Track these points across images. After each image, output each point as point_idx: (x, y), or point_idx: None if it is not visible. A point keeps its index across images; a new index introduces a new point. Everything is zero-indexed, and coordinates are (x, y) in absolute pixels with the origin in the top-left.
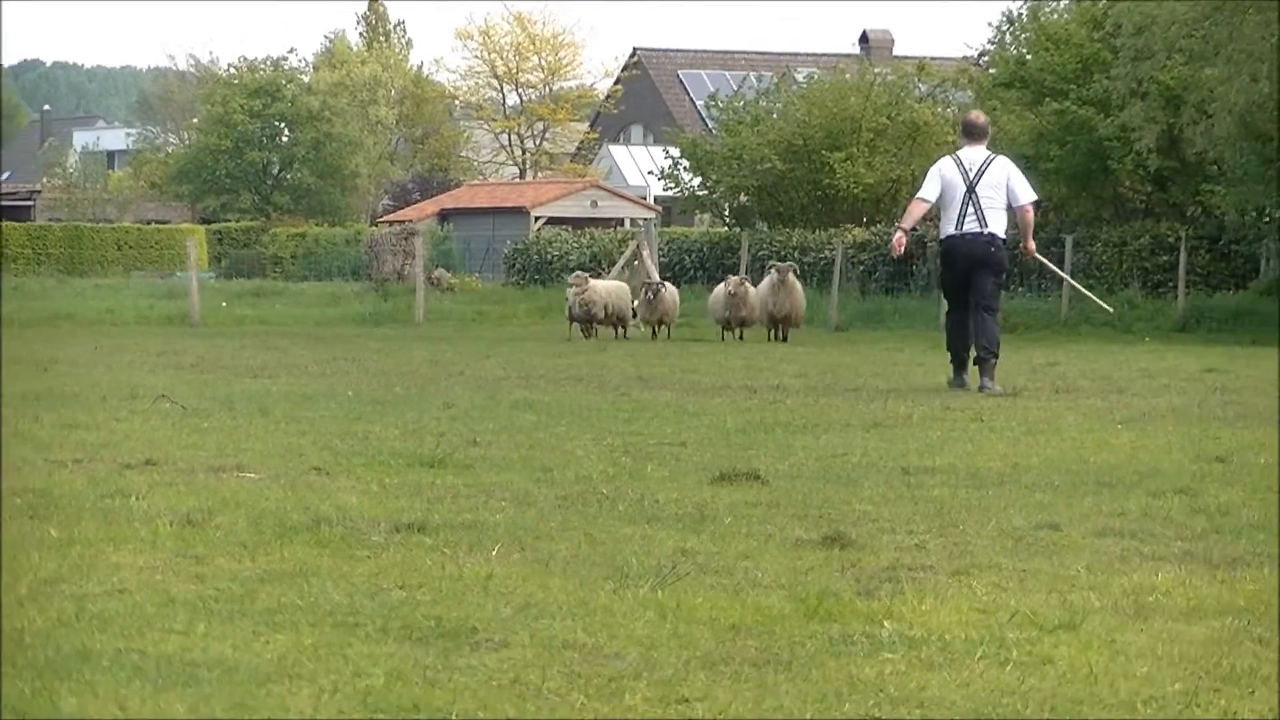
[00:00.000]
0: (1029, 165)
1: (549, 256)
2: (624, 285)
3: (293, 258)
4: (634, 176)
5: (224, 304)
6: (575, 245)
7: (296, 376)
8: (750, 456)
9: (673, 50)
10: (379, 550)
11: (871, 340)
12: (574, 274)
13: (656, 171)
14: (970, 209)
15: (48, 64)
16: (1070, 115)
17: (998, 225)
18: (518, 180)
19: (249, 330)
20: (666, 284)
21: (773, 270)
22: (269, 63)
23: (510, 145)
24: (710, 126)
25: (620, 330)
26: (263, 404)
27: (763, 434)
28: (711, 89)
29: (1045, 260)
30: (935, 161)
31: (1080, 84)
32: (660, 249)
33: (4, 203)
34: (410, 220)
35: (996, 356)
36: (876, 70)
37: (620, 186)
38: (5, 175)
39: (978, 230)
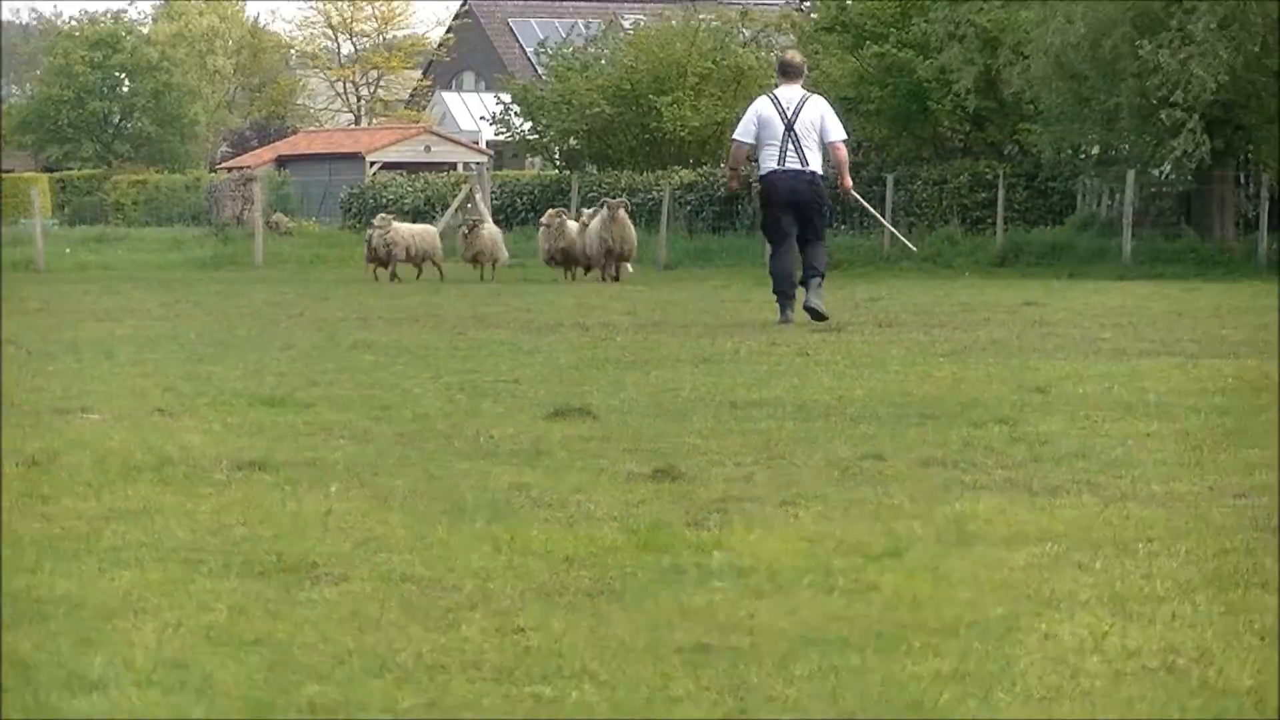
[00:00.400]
0: (850, 106)
1: (384, 201)
2: (430, 228)
3: (134, 204)
4: (466, 122)
5: (68, 250)
6: (410, 189)
7: (140, 320)
8: (583, 393)
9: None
10: (222, 488)
11: (699, 279)
12: (379, 216)
13: (488, 117)
14: (790, 146)
15: None
16: (890, 58)
17: (816, 162)
18: (353, 127)
19: (93, 276)
20: (485, 221)
21: (604, 206)
22: (109, 15)
23: (345, 93)
24: (541, 73)
25: (423, 271)
26: (107, 347)
27: (595, 371)
28: (541, 36)
29: (860, 198)
30: (752, 102)
31: (900, 27)
32: (493, 192)
33: None
34: (248, 166)
35: (823, 276)
36: (701, 17)
37: (453, 132)
38: None
39: (799, 168)
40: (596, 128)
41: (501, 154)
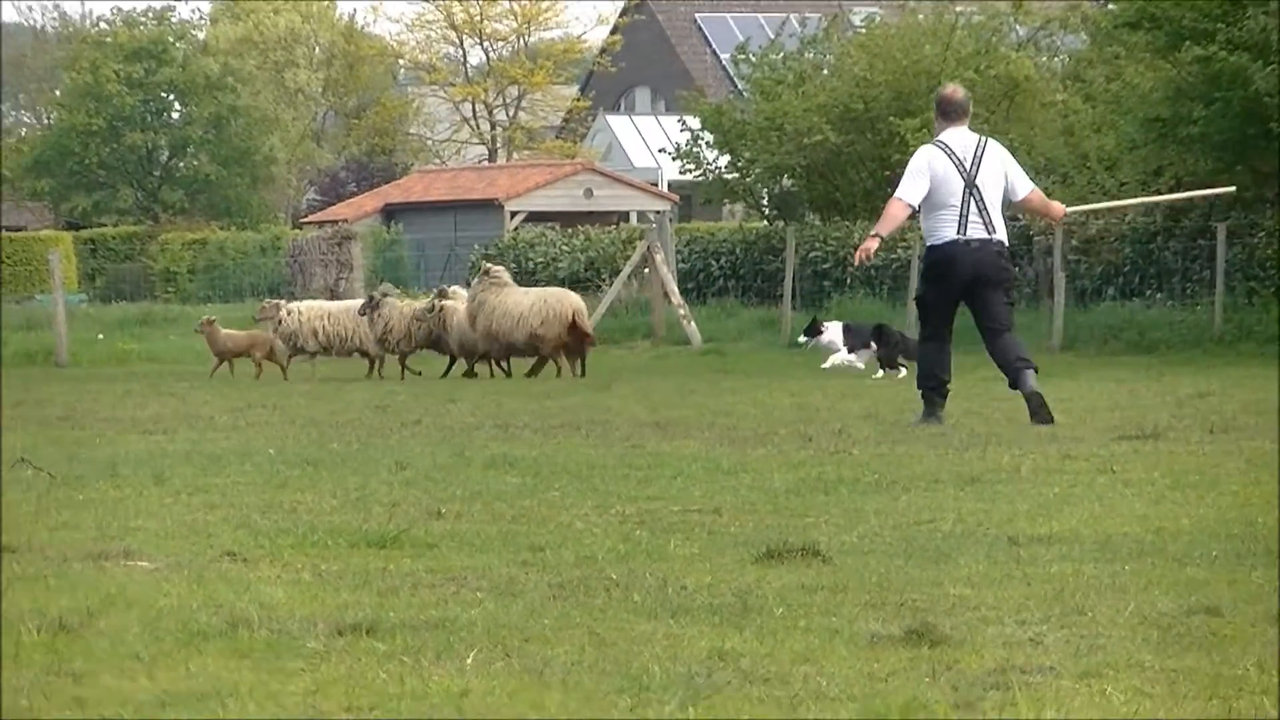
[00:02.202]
0: (1164, 130)
1: (531, 264)
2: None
3: (190, 273)
4: (640, 156)
5: (100, 336)
6: (565, 249)
7: (200, 431)
8: (807, 526)
9: None
10: (317, 661)
11: (964, 367)
12: (265, 302)
13: (670, 149)
14: (973, 209)
15: None
16: (1219, 64)
17: (1002, 229)
18: (486, 164)
19: (135, 370)
20: (452, 290)
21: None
22: (151, 15)
23: (475, 118)
24: (739, 88)
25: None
26: (156, 468)
27: (822, 495)
28: (740, 37)
29: (1086, 206)
30: (916, 152)
31: (1231, 23)
32: (678, 251)
33: None
34: (345, 220)
35: (1035, 367)
36: (959, 9)
37: (623, 170)
38: None
39: (985, 236)
40: (818, 162)
41: (689, 200)
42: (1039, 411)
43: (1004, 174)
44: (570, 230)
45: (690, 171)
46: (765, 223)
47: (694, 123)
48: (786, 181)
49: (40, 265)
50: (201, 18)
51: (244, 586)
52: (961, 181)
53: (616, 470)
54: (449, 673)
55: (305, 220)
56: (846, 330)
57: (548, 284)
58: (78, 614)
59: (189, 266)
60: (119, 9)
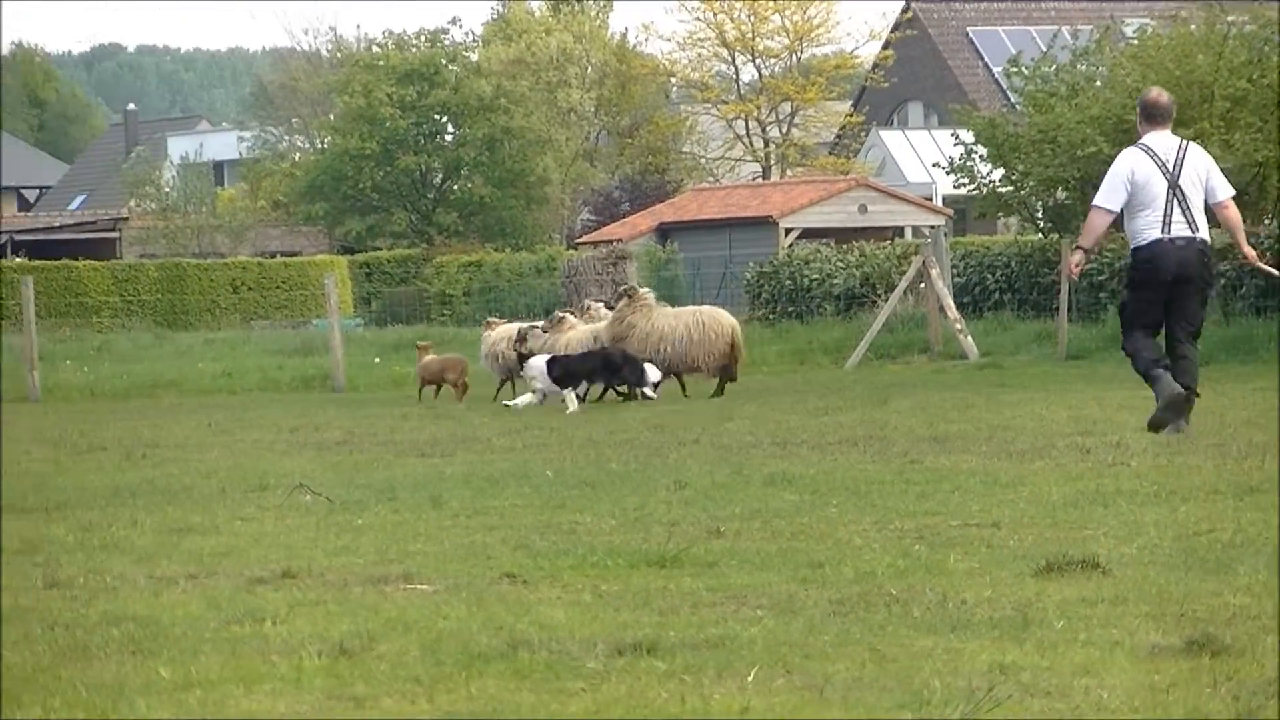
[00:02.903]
0: None
1: (806, 282)
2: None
3: (465, 295)
4: (914, 171)
5: (377, 360)
6: (840, 265)
7: (478, 453)
8: (1085, 538)
9: (958, 1)
10: (597, 681)
11: (1238, 377)
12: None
13: (944, 163)
14: (1176, 208)
15: (130, 49)
16: None
17: (1205, 228)
18: (760, 181)
19: (411, 394)
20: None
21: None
22: (424, 37)
23: (749, 135)
24: (1012, 100)
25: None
26: (434, 491)
27: (1100, 509)
28: (1012, 50)
29: (1270, 269)
30: (1117, 157)
31: None
32: (953, 265)
33: (81, 235)
34: (619, 239)
35: (1198, 395)
36: (1230, 19)
37: (897, 185)
38: (79, 199)
39: (1189, 235)
40: (1092, 174)
41: (964, 213)
42: (1173, 410)
43: (1205, 176)
44: (845, 246)
45: (964, 185)
46: (1040, 235)
47: (967, 136)
48: (1061, 194)
49: (316, 290)
50: (474, 39)
51: (523, 608)
52: (1165, 182)
53: (894, 486)
54: (730, 691)
55: (580, 240)
56: (552, 362)
57: (822, 301)
58: (358, 638)
59: (464, 289)
60: (391, 31)
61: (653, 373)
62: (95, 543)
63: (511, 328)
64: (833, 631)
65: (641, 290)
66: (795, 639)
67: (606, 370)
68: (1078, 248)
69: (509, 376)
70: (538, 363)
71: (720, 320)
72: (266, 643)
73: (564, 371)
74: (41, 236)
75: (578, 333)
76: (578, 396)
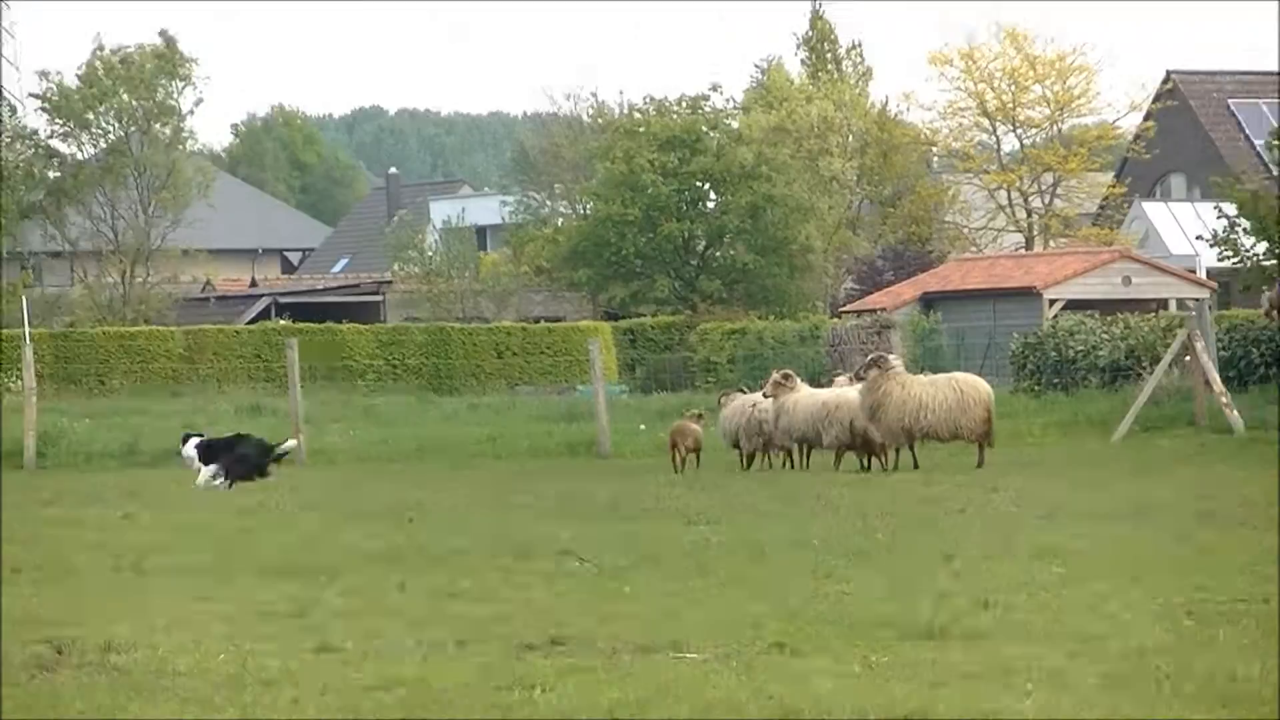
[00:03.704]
0: None
1: (1071, 353)
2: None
3: (730, 362)
4: (1177, 243)
5: (642, 426)
6: (1105, 337)
7: (744, 520)
8: None
9: (1219, 73)
10: None
11: None
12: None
13: (1207, 236)
14: None
15: (391, 112)
16: None
17: None
18: (1023, 252)
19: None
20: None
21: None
22: (685, 103)
23: (1011, 205)
24: (1275, 173)
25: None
26: (701, 559)
27: None
28: (1274, 123)
29: None
30: None
31: None
32: (1218, 339)
33: (345, 298)
34: (883, 309)
35: None
36: None
37: (1159, 257)
38: (342, 262)
39: None
40: None
41: (1227, 286)
42: None
43: None
44: (1109, 318)
45: (1228, 259)
46: None
47: (1230, 209)
48: None
49: (580, 355)
50: (734, 105)
51: (793, 678)
52: None
53: (1163, 560)
54: None
55: (844, 309)
56: (202, 446)
57: (1088, 373)
58: (628, 706)
59: (728, 356)
60: (652, 97)
61: None
62: (365, 607)
63: (749, 399)
64: (1103, 706)
65: (890, 358)
66: (1065, 713)
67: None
68: None
69: (756, 448)
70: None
71: (977, 387)
72: (536, 709)
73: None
74: (305, 299)
75: (803, 395)
76: None
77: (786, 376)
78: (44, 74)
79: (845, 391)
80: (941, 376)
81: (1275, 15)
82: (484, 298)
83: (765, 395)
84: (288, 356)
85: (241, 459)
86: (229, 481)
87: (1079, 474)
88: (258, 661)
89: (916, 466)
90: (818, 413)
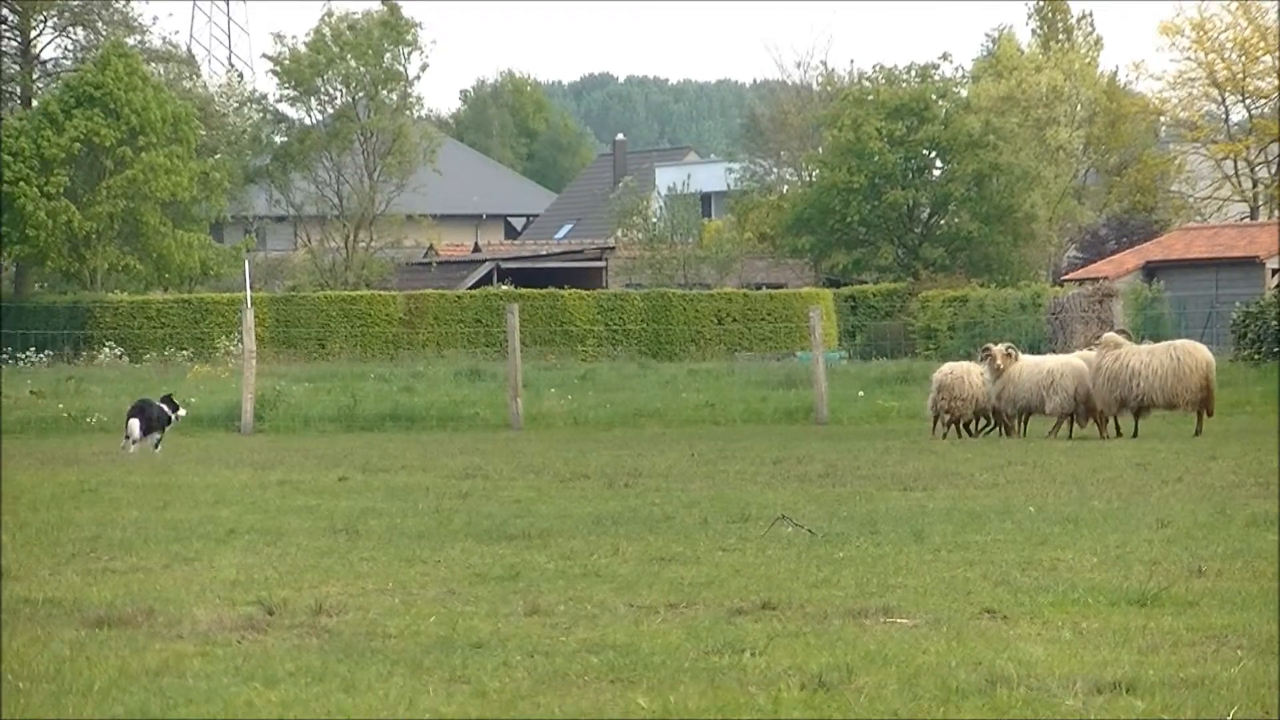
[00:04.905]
0: None
1: None
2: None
3: (950, 330)
4: None
5: (861, 393)
6: None
7: (959, 488)
8: None
9: None
10: (1075, 719)
11: None
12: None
13: None
14: None
15: (620, 79)
16: None
17: None
18: (1248, 222)
19: (894, 428)
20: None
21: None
22: (914, 72)
23: (1237, 175)
24: None
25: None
26: (916, 525)
27: None
28: None
29: None
30: None
31: None
32: None
33: (567, 264)
34: (1106, 277)
35: None
36: None
37: None
38: (566, 228)
39: None
40: None
41: None
42: None
43: None
44: None
45: None
46: None
47: None
48: None
49: (800, 322)
50: (964, 75)
51: (1003, 644)
52: None
53: None
54: None
55: (1066, 277)
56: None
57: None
58: (837, 670)
59: (949, 323)
60: (881, 66)
61: None
62: (577, 570)
63: (961, 367)
64: None
65: (1109, 334)
66: (1275, 681)
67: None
68: None
69: (958, 418)
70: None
71: (1195, 354)
72: (745, 674)
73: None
74: (528, 265)
75: (1027, 364)
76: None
77: (1009, 353)
78: (279, 36)
79: (1070, 359)
80: (1161, 345)
81: None
82: (706, 264)
83: (990, 370)
84: (508, 322)
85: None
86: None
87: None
88: (467, 624)
89: (1136, 435)
90: (1043, 380)
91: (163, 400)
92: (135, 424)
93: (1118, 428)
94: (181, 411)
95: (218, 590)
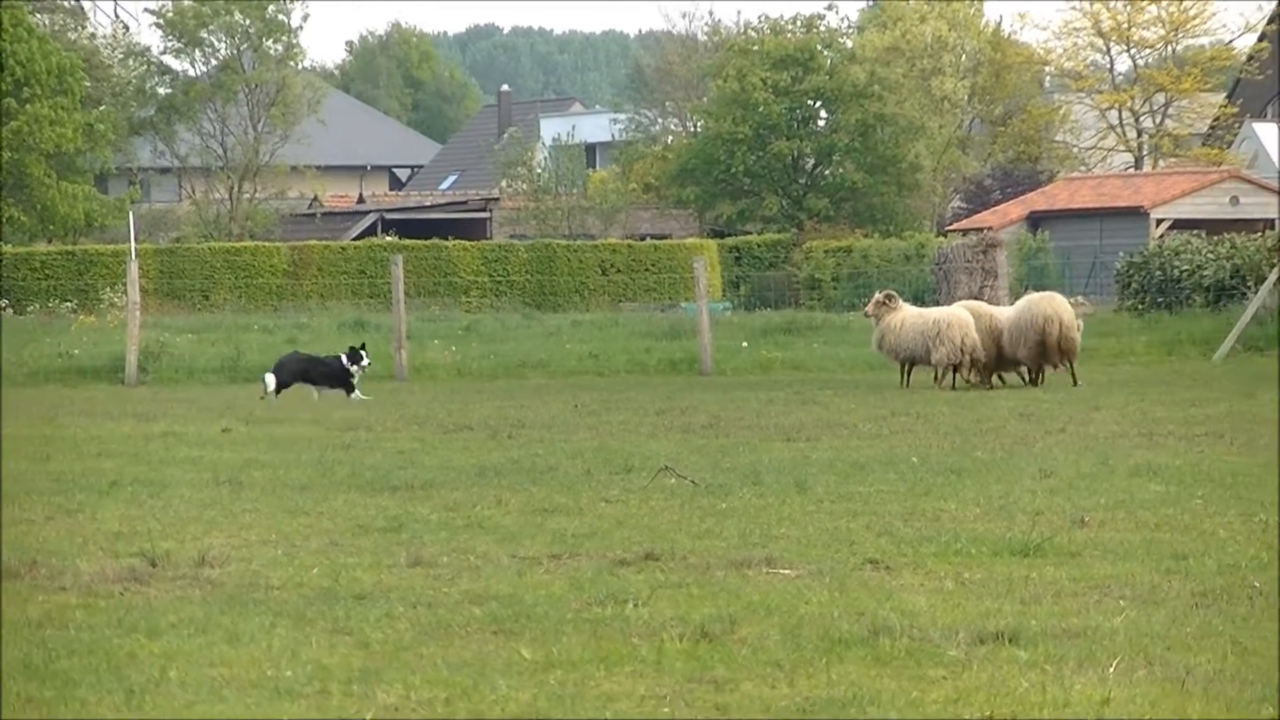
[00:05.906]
0: None
1: (1176, 273)
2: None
3: (834, 280)
4: None
5: (744, 344)
6: (1210, 257)
7: (843, 439)
8: None
9: None
10: (958, 669)
11: None
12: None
13: None
14: None
15: (505, 30)
16: None
17: None
18: (1131, 172)
19: (778, 379)
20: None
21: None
22: (799, 22)
23: (1121, 125)
24: None
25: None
26: (799, 476)
27: None
28: None
29: None
30: None
31: None
32: None
33: (451, 215)
34: (990, 227)
35: None
36: None
37: (1268, 177)
38: (451, 179)
39: None
40: None
41: None
42: None
43: None
44: (1216, 238)
45: None
46: None
47: None
48: None
49: (685, 273)
50: (849, 26)
51: (886, 594)
52: None
53: (1261, 478)
54: (1091, 681)
55: (950, 228)
56: None
57: (1192, 292)
58: (720, 621)
59: (833, 274)
60: (767, 16)
61: None
62: (460, 522)
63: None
64: (1195, 624)
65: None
66: (1157, 631)
67: None
68: None
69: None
70: None
71: (1034, 309)
72: (628, 624)
73: None
74: (413, 216)
75: (910, 314)
76: None
77: (889, 297)
78: None
79: (956, 310)
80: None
81: None
82: (591, 215)
83: (866, 315)
84: (393, 273)
85: None
86: None
87: (1180, 393)
88: (351, 575)
89: (1031, 383)
90: (928, 330)
91: (347, 353)
92: (269, 378)
93: (1002, 378)
94: (365, 362)
95: (101, 542)
